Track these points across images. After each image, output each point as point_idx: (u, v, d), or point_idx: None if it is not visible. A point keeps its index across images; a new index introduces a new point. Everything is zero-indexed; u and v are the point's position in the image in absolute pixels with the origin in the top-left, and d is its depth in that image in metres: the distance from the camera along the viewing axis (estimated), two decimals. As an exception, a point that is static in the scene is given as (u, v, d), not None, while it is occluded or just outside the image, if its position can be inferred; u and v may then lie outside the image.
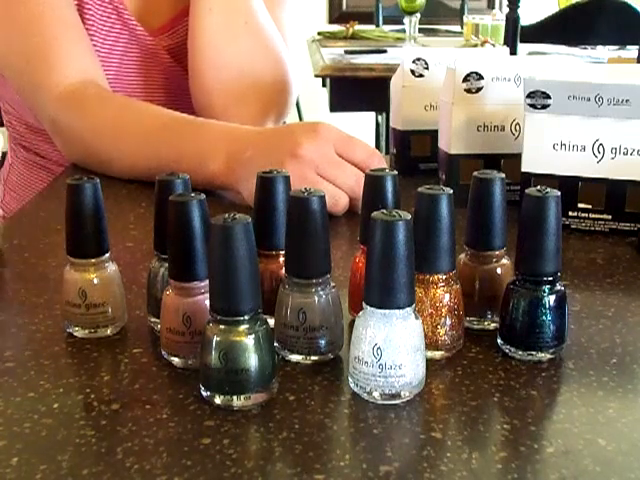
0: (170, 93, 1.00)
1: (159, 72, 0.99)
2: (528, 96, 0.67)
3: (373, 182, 0.49)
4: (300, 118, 3.13)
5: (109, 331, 0.50)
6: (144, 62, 0.97)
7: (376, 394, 0.42)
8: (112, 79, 0.94)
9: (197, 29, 0.92)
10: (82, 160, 0.87)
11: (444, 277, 0.46)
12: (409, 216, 0.40)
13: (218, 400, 0.42)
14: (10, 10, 0.88)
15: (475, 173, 0.49)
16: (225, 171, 0.74)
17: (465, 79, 0.74)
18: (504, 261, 0.50)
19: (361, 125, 3.15)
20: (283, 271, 0.47)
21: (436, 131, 0.81)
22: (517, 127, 0.76)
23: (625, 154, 0.66)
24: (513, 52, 2.00)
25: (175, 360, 0.46)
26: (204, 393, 0.42)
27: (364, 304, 0.42)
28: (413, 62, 0.84)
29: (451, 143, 0.76)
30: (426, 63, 0.85)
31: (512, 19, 2.13)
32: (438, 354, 0.47)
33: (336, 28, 2.68)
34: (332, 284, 0.47)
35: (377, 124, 2.88)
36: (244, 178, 0.71)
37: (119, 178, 0.83)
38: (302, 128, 0.73)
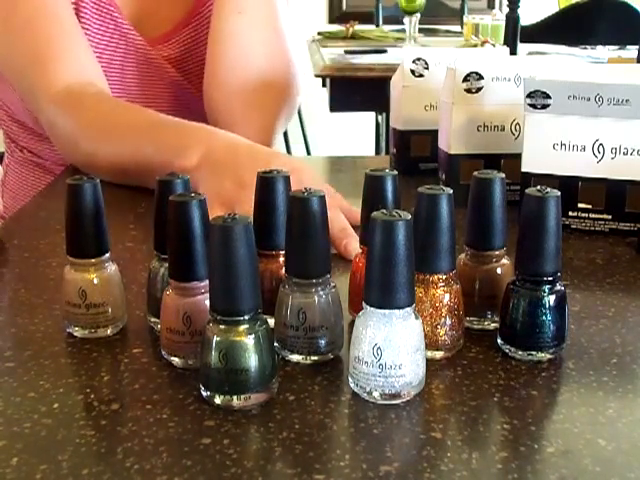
0: (170, 103, 0.99)
1: (159, 82, 0.98)
2: (528, 96, 0.67)
3: (373, 182, 0.49)
4: (300, 118, 3.14)
5: (109, 331, 0.50)
6: (143, 72, 0.97)
7: (376, 394, 0.42)
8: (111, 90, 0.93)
9: (222, 32, 0.91)
10: (77, 161, 0.87)
11: (444, 277, 0.46)
12: (409, 216, 0.40)
13: (218, 400, 0.42)
14: (8, 12, 0.88)
15: (475, 173, 0.49)
16: (196, 167, 0.70)
17: (465, 79, 0.74)
18: (504, 261, 0.50)
19: (361, 125, 3.15)
20: (283, 271, 0.47)
21: (436, 131, 0.81)
22: (517, 127, 0.76)
23: (625, 154, 0.66)
24: (513, 52, 2.00)
25: (175, 360, 0.46)
26: (204, 393, 0.42)
27: (364, 304, 0.42)
28: (413, 62, 0.85)
29: (451, 143, 0.76)
30: (426, 63, 0.85)
31: (512, 19, 2.13)
32: (438, 354, 0.47)
33: (336, 28, 2.68)
34: (332, 284, 0.47)
35: (377, 124, 2.88)
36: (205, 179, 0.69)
37: (108, 182, 0.82)
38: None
